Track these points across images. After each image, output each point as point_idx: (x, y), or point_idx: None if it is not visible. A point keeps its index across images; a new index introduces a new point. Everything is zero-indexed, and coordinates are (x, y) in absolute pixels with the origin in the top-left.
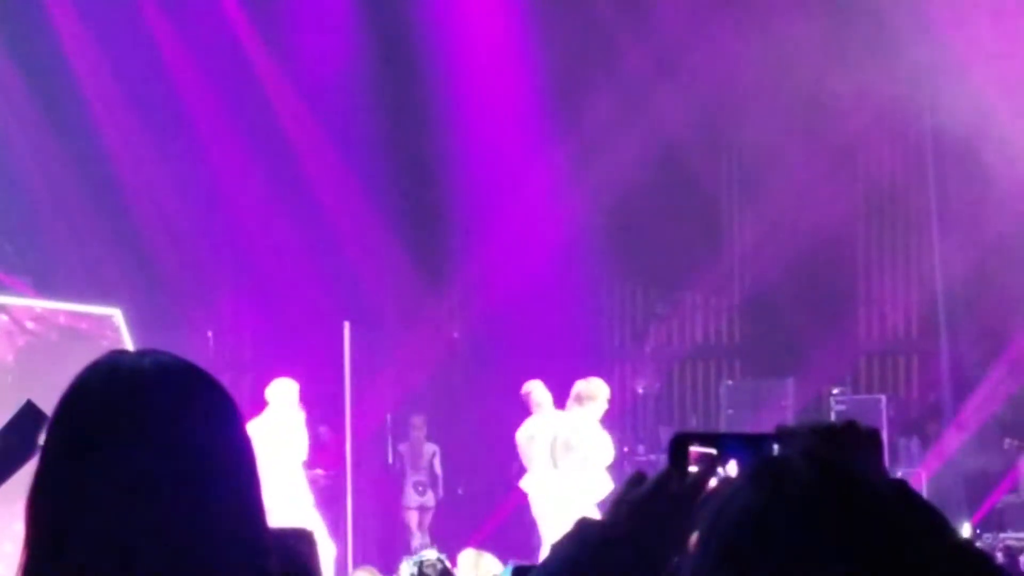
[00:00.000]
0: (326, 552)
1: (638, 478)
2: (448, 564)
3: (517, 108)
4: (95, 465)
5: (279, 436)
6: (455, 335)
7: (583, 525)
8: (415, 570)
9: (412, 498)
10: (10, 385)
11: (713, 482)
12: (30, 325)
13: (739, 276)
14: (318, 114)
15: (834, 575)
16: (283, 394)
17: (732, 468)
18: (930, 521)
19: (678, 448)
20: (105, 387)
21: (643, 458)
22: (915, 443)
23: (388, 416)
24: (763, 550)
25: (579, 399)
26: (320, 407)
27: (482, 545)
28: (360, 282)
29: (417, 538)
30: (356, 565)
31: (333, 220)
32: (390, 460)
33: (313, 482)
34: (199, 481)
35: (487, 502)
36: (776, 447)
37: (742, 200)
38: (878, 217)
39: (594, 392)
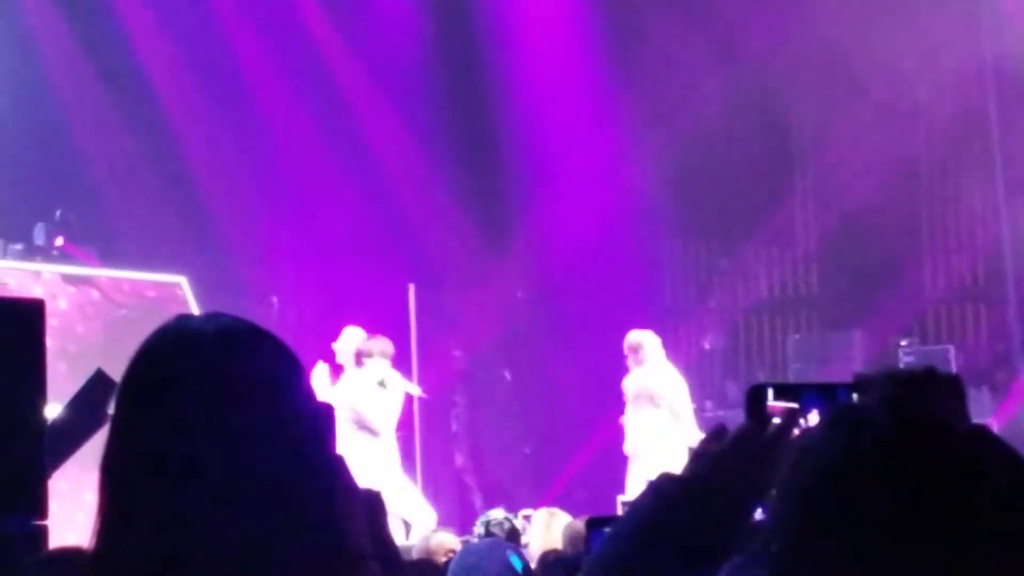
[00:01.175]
0: (427, 519)
1: (719, 432)
2: (516, 523)
3: (577, 65)
4: (163, 432)
5: (369, 395)
6: (519, 295)
7: (663, 479)
8: (482, 530)
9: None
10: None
11: (795, 433)
12: (117, 298)
13: (802, 227)
14: (378, 76)
15: (913, 525)
16: (352, 343)
17: (813, 419)
18: (1013, 468)
19: (755, 400)
20: (173, 351)
21: (711, 414)
22: (985, 393)
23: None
24: (841, 499)
25: (635, 350)
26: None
27: (555, 503)
28: (423, 244)
29: (479, 497)
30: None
31: (395, 183)
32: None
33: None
34: (268, 446)
35: (558, 461)
36: (855, 396)
37: (803, 152)
38: (940, 163)
39: (642, 341)
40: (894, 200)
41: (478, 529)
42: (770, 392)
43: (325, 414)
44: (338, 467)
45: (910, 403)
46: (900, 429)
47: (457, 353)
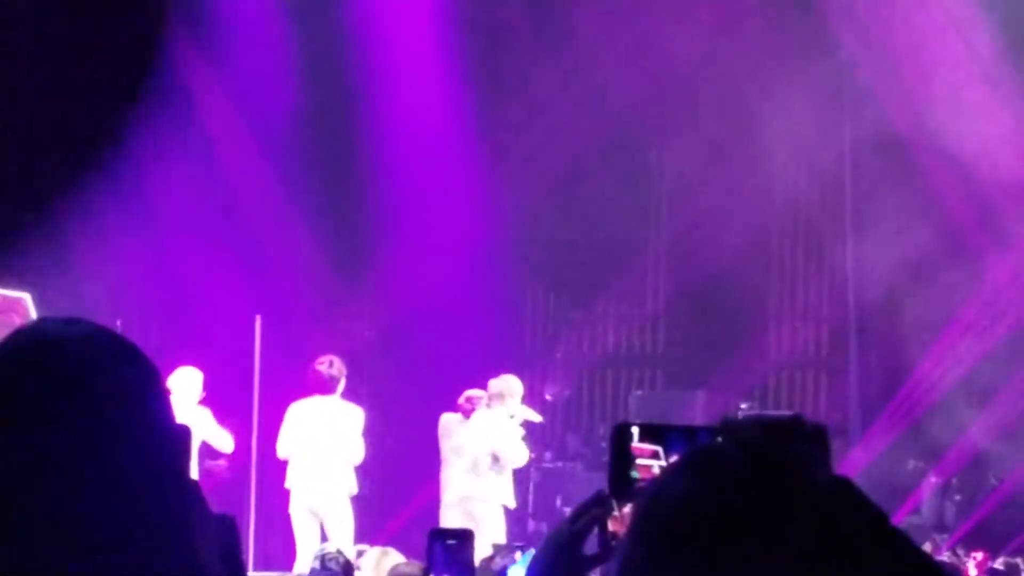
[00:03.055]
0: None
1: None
2: (351, 558)
3: (441, 105)
4: (18, 439)
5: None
6: (367, 333)
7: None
8: (317, 564)
9: None
10: None
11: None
12: None
13: (653, 285)
14: (238, 99)
15: (767, 567)
16: (188, 385)
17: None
18: (871, 520)
19: (620, 441)
20: (31, 355)
21: (550, 465)
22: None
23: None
24: (696, 537)
25: (498, 397)
26: (229, 399)
27: (391, 544)
28: (273, 275)
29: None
30: (256, 567)
31: (247, 210)
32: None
33: (209, 473)
34: (128, 464)
35: (397, 503)
36: (719, 440)
37: (660, 210)
38: (792, 231)
39: (510, 389)
40: (745, 265)
41: (313, 563)
42: (635, 432)
43: (182, 434)
44: (194, 489)
45: (771, 447)
46: (757, 472)
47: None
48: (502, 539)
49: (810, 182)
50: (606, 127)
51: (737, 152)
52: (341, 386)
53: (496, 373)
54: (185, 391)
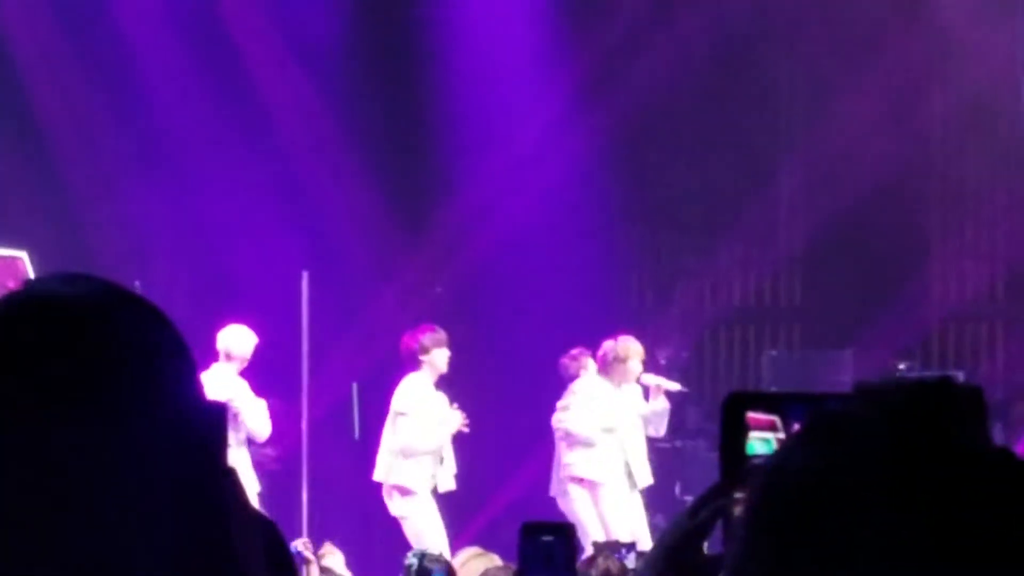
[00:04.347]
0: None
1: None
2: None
3: (515, 18)
4: (11, 427)
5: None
6: (438, 290)
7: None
8: (415, 562)
9: None
10: None
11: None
12: None
13: (787, 224)
14: (283, 36)
15: (920, 560)
16: (235, 346)
17: None
18: None
19: (733, 413)
20: (15, 326)
21: (666, 444)
22: (998, 429)
23: (354, 385)
24: (824, 526)
25: (619, 362)
26: (271, 374)
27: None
28: (323, 224)
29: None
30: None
31: (289, 148)
32: (356, 435)
33: (258, 466)
34: (149, 451)
35: (480, 493)
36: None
37: (793, 130)
38: (958, 152)
39: (631, 351)
40: (898, 194)
41: (410, 560)
42: (750, 404)
43: (217, 414)
44: (231, 482)
45: (918, 413)
46: (902, 442)
47: (360, 355)
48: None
49: (979, 85)
50: (723, 32)
51: (885, 52)
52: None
53: (598, 335)
54: (230, 353)
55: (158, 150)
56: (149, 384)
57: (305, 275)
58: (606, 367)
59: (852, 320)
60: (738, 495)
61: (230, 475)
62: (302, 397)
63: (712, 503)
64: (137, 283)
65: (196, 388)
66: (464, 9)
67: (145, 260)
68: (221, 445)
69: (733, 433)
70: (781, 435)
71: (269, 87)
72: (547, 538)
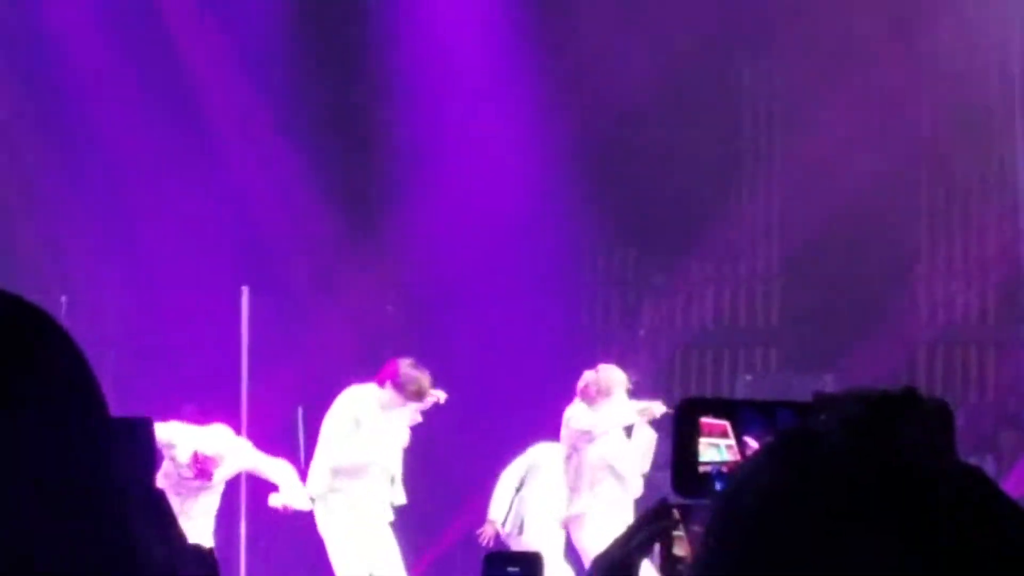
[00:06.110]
0: None
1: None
2: None
3: (475, 9)
4: None
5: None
6: (388, 307)
7: None
8: None
9: None
10: None
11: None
12: None
13: (763, 241)
14: (216, 27)
15: (884, 568)
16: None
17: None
18: (1009, 518)
19: (686, 418)
20: None
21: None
22: (989, 461)
23: (300, 409)
24: (787, 545)
25: (603, 394)
26: (209, 396)
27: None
28: (264, 237)
29: None
30: None
31: (229, 154)
32: (303, 462)
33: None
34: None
35: (435, 521)
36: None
37: (769, 142)
38: (945, 164)
39: (615, 380)
40: (884, 208)
41: None
42: (705, 409)
43: (142, 431)
44: (165, 510)
45: (878, 426)
46: (864, 457)
47: (304, 377)
48: None
49: (980, 85)
50: (694, 41)
51: (867, 62)
52: None
53: (558, 356)
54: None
55: (87, 159)
56: (33, 415)
57: (245, 290)
58: (588, 400)
59: (833, 343)
60: (677, 533)
61: (152, 493)
62: (241, 420)
63: (648, 527)
64: (63, 299)
65: (95, 423)
66: (418, 12)
67: (72, 276)
68: (150, 469)
69: (686, 439)
70: (731, 441)
71: (206, 91)
72: (512, 569)
